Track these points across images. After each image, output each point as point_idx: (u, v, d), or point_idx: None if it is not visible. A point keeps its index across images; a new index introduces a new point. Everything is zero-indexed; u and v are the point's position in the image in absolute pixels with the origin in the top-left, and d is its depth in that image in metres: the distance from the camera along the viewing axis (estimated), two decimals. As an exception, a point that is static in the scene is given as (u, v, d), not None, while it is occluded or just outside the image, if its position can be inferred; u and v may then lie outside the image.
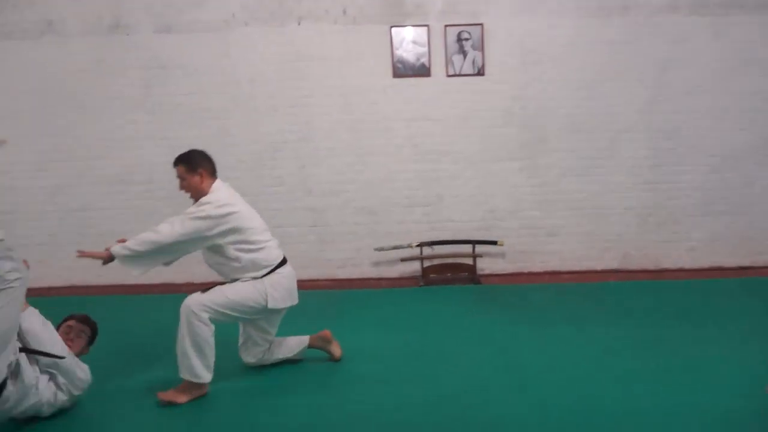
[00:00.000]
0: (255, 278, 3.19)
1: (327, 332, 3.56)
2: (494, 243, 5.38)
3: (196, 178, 3.22)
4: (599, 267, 5.52)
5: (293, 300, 3.37)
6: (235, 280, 3.23)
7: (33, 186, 5.54)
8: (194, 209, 3.14)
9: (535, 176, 5.47)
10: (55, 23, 5.41)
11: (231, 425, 2.82)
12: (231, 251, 3.16)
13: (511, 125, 5.42)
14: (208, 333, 3.06)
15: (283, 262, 3.36)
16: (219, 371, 3.21)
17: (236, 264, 3.19)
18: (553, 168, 5.46)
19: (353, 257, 5.55)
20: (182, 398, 3.03)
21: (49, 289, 5.53)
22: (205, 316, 3.05)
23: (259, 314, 3.23)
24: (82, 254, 3.16)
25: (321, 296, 5.09)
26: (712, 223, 5.48)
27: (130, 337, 4.18)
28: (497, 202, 5.49)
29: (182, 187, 3.27)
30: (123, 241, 3.18)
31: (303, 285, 5.45)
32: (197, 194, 3.23)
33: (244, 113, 5.44)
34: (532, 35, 5.31)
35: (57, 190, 5.53)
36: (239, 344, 3.41)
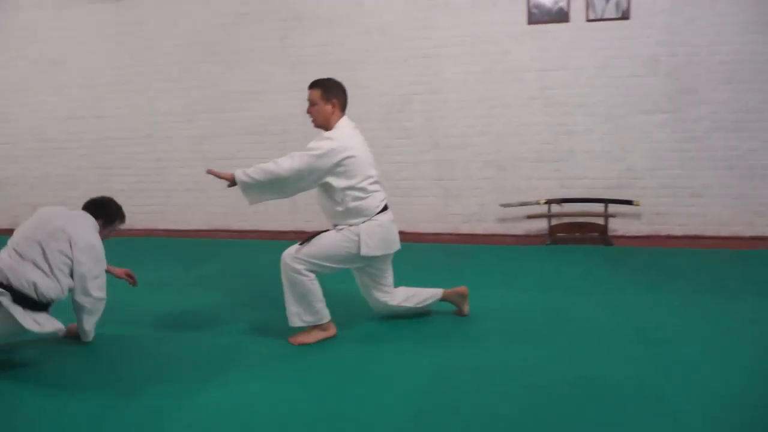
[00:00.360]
0: (351, 225, 3.17)
1: (464, 288, 3.53)
2: (629, 203, 5.07)
3: (328, 107, 3.16)
4: (748, 233, 5.02)
5: (390, 248, 3.29)
6: (336, 225, 3.24)
7: (182, 135, 6.01)
8: (315, 144, 3.08)
9: (680, 131, 5.04)
10: (203, -21, 5.72)
11: (353, 371, 2.94)
12: (338, 195, 3.14)
13: (656, 74, 5.00)
14: (307, 283, 3.14)
15: (384, 209, 3.29)
16: (350, 319, 3.35)
17: (339, 208, 3.17)
18: (702, 122, 4.99)
19: (478, 212, 5.49)
20: (310, 339, 3.22)
21: (196, 231, 6.07)
22: (301, 267, 3.12)
23: (356, 262, 3.25)
24: (210, 172, 3.26)
25: (444, 250, 5.13)
26: None
27: (263, 280, 4.48)
28: (635, 158, 5.14)
29: (310, 111, 3.21)
30: None
31: (426, 238, 5.62)
32: (323, 124, 3.19)
33: (375, 64, 5.48)
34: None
35: (202, 140, 5.97)
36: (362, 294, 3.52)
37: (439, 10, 5.27)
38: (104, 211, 3.35)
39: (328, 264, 3.19)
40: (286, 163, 3.06)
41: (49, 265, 2.94)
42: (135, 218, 6.30)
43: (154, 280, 4.52)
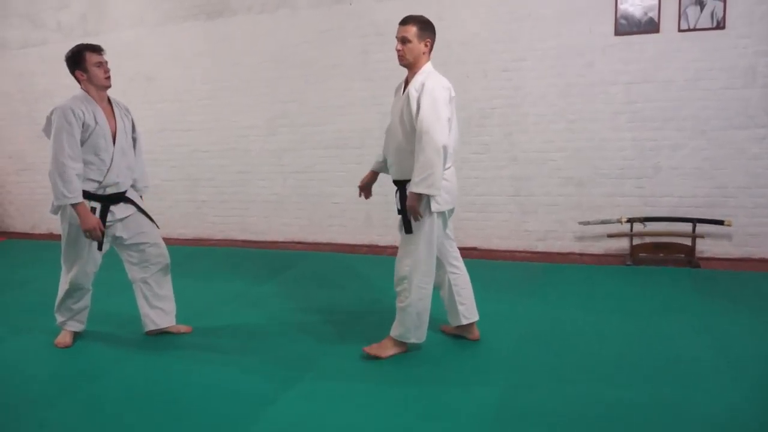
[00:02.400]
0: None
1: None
2: (720, 222, 4.77)
3: (421, 46, 3.02)
4: None
5: (454, 203, 3.17)
6: (402, 180, 3.07)
7: (263, 149, 6.21)
8: (433, 92, 2.93)
9: (781, 148, 4.70)
10: (289, -4, 5.91)
11: (426, 387, 2.92)
12: None
13: (754, 86, 4.69)
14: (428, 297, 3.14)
15: None
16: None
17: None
18: (807, 139, 4.63)
19: (555, 230, 5.33)
20: (384, 353, 3.20)
21: (272, 242, 6.24)
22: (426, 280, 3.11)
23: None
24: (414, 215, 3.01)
25: (518, 268, 5.01)
26: None
27: (340, 292, 4.53)
28: (727, 176, 4.84)
29: (401, 49, 3.03)
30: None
31: (499, 255, 5.51)
32: (412, 63, 3.05)
33: (454, 78, 5.35)
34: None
35: (282, 153, 6.14)
36: None
37: (522, 22, 5.18)
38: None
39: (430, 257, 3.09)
40: (430, 143, 2.85)
41: None
42: (216, 228, 6.58)
43: (232, 289, 4.68)
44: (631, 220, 4.97)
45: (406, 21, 3.04)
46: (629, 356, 3.13)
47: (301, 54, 5.91)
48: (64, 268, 3.50)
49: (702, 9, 4.74)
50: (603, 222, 5.06)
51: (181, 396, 2.86)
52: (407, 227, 3.06)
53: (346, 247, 5.92)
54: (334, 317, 3.91)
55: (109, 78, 3.40)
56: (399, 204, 3.13)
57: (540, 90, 5.20)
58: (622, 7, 4.92)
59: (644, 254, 4.99)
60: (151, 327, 3.59)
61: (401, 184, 3.11)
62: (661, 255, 4.95)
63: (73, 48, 3.32)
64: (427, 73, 3.04)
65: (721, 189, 4.86)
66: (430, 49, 3.10)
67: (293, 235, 6.22)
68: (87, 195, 3.28)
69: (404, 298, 3.12)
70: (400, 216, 3.16)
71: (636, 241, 5.02)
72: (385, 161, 3.31)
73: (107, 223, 3.39)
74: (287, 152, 6.11)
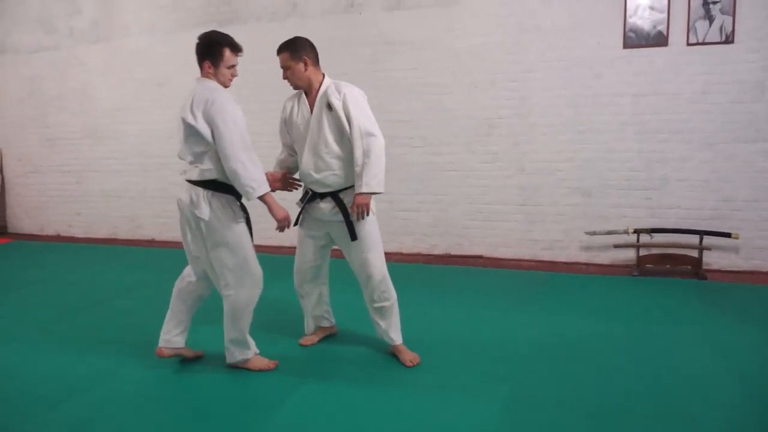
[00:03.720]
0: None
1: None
2: (727, 235, 4.77)
3: (301, 66, 3.15)
4: None
5: None
6: (334, 190, 3.18)
7: (270, 155, 6.09)
8: (354, 98, 3.09)
9: (789, 161, 4.71)
10: (299, 5, 5.96)
11: (430, 391, 2.93)
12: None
13: (762, 101, 4.71)
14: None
15: None
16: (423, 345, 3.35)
17: (358, 166, 3.04)
18: (814, 153, 4.64)
19: (561, 239, 5.34)
20: (413, 358, 3.22)
21: (279, 247, 6.26)
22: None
23: None
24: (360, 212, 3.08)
25: (524, 277, 5.01)
26: None
27: (344, 296, 4.55)
28: (734, 188, 4.84)
29: (286, 77, 3.23)
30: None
31: (505, 264, 5.52)
32: (305, 84, 3.21)
33: (462, 88, 5.49)
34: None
35: (291, 158, 6.16)
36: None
37: (530, 33, 5.22)
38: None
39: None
40: (376, 143, 3.03)
41: None
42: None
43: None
44: (637, 231, 4.97)
45: (278, 51, 3.20)
46: (634, 367, 3.13)
47: (310, 62, 5.95)
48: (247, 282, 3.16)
49: (711, 23, 4.76)
50: (610, 232, 5.06)
51: (188, 400, 2.87)
52: (353, 234, 3.12)
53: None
54: (337, 321, 3.92)
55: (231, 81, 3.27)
56: (341, 213, 3.15)
57: (548, 101, 5.23)
58: (630, 20, 4.95)
59: (650, 265, 4.99)
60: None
61: (336, 194, 3.17)
62: (668, 266, 4.95)
63: (212, 34, 3.22)
64: (332, 83, 3.18)
65: (729, 202, 4.87)
66: (315, 62, 3.20)
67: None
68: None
69: (389, 296, 3.22)
70: (335, 228, 3.24)
71: (642, 252, 5.02)
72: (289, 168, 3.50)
73: None
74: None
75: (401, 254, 5.79)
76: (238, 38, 6.49)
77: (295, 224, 3.36)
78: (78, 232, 7.34)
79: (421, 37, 5.55)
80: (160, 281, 5.07)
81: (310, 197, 3.26)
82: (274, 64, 6.05)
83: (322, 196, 3.21)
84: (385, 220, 5.84)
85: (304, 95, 3.26)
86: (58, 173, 7.32)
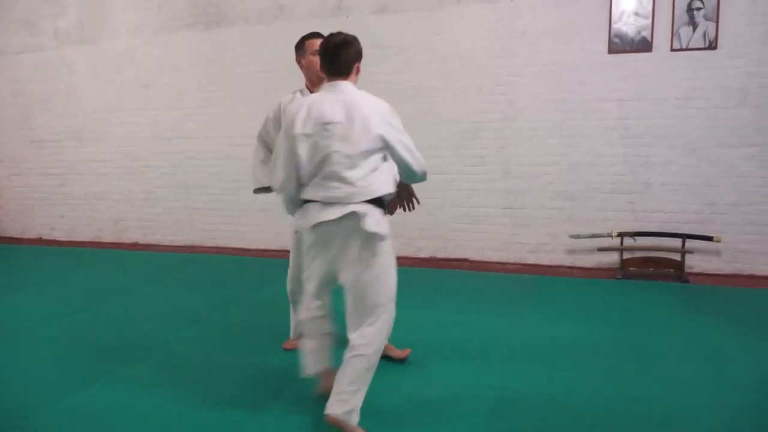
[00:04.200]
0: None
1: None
2: (709, 239, 4.82)
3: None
4: None
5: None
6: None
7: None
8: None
9: (770, 166, 4.77)
10: (287, 7, 5.95)
11: (415, 400, 2.92)
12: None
13: (745, 106, 4.77)
14: None
15: None
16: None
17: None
18: (796, 158, 4.71)
19: (547, 243, 5.36)
20: None
21: (264, 251, 6.24)
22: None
23: None
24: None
25: (509, 280, 5.03)
26: None
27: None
28: (717, 193, 4.90)
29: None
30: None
31: (491, 267, 5.53)
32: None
33: (450, 92, 5.51)
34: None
35: (277, 161, 6.14)
36: None
37: (517, 39, 5.25)
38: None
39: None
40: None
41: None
42: (207, 236, 6.57)
43: (223, 297, 4.66)
44: (621, 235, 5.01)
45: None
46: (620, 370, 3.15)
47: (296, 66, 5.93)
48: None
49: (695, 29, 4.82)
50: (594, 236, 5.10)
51: (169, 407, 2.85)
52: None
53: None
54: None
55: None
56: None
57: (534, 105, 5.26)
58: (615, 26, 5.00)
59: (634, 268, 5.03)
60: None
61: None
62: (651, 269, 4.99)
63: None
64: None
65: (711, 206, 4.92)
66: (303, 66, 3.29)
67: (285, 244, 6.19)
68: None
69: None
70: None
71: (626, 255, 5.06)
72: None
73: None
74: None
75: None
76: (224, 41, 6.50)
77: None
78: (60, 236, 7.27)
79: (409, 40, 5.57)
80: (144, 285, 5.04)
81: None
82: (262, 66, 6.11)
83: None
84: (371, 223, 5.85)
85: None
86: (42, 175, 7.24)
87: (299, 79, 6.12)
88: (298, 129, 2.48)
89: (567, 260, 5.33)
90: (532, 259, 5.42)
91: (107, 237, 7.03)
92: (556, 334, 3.66)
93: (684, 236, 4.89)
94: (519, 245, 5.45)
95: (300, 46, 3.30)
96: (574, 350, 3.41)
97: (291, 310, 3.53)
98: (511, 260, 5.47)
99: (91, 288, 4.98)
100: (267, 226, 6.26)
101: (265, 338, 3.69)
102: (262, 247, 6.31)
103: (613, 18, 4.99)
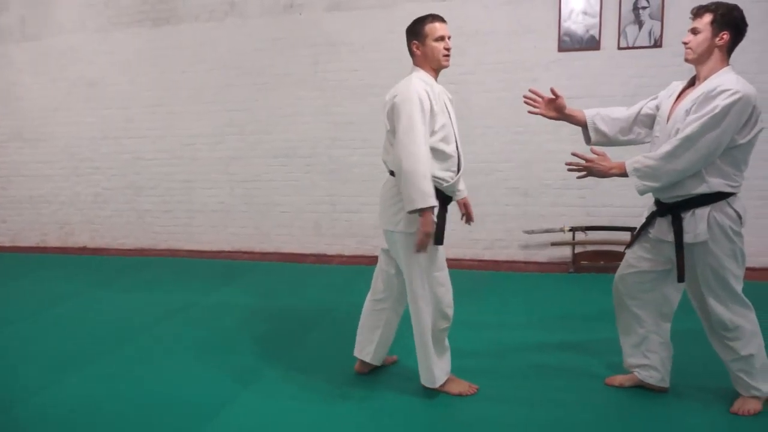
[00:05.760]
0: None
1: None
2: (658, 232, 4.95)
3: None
4: (781, 265, 4.88)
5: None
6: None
7: (210, 157, 6.10)
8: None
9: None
10: (238, 5, 5.85)
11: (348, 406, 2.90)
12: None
13: (688, 104, 4.92)
14: None
15: None
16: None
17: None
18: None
19: (502, 239, 5.43)
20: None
21: (218, 252, 6.13)
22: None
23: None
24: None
25: (465, 276, 5.07)
26: None
27: (287, 302, 4.47)
28: (665, 188, 5.04)
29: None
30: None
31: (449, 264, 5.48)
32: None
33: (402, 90, 5.50)
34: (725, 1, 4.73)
35: (230, 161, 6.04)
36: None
37: (469, 37, 5.30)
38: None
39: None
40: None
41: None
42: (159, 238, 6.41)
43: (176, 300, 4.55)
44: (573, 229, 5.12)
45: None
46: (570, 361, 3.21)
47: (250, 62, 5.86)
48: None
49: (640, 28, 4.95)
50: (547, 231, 5.19)
51: (121, 410, 2.76)
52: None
53: (294, 257, 5.87)
54: (280, 328, 3.86)
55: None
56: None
57: (488, 103, 5.31)
58: (565, 24, 5.09)
59: (585, 262, 5.14)
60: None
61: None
62: (602, 262, 5.11)
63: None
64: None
65: (658, 200, 5.06)
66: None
67: (240, 244, 6.12)
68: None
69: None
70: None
71: (578, 249, 5.17)
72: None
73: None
74: (235, 161, 6.03)
75: (344, 256, 5.76)
76: (174, 38, 6.36)
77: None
78: (4, 241, 6.98)
79: (363, 38, 5.55)
80: (94, 290, 4.88)
81: None
82: (214, 64, 6.00)
83: None
84: (328, 222, 5.82)
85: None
86: (-18, 178, 6.94)
87: (252, 77, 6.01)
88: None
89: (522, 255, 5.41)
90: (488, 255, 5.48)
91: (53, 242, 6.78)
92: (510, 328, 3.72)
93: (632, 230, 5.01)
94: (475, 241, 5.50)
95: (418, 31, 2.91)
96: (528, 343, 3.46)
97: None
98: (468, 257, 5.51)
99: (36, 295, 4.79)
100: (222, 227, 6.15)
101: (218, 342, 3.62)
102: (216, 248, 6.19)
103: (563, 17, 5.08)
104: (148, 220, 6.43)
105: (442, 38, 2.82)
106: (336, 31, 5.61)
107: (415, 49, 2.88)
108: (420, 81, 2.75)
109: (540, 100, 2.97)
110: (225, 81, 5.94)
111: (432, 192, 2.60)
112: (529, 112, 3.01)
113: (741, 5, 2.68)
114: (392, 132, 2.69)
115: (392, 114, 2.68)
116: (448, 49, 2.84)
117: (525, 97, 2.98)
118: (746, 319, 2.58)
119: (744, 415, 2.59)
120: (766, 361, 2.61)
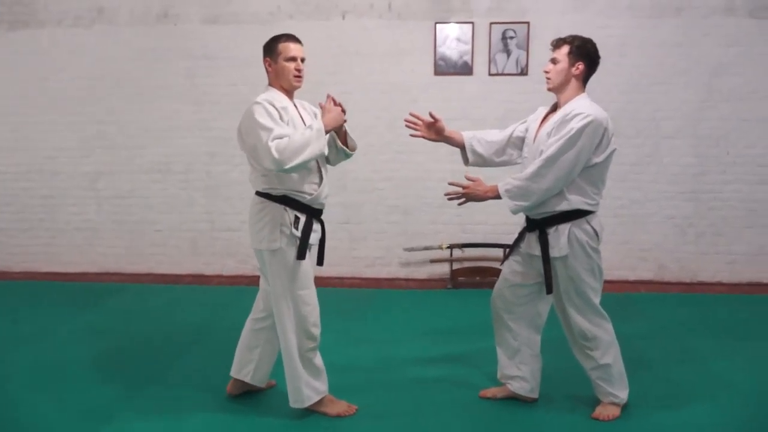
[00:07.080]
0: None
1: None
2: (528, 248, 5.27)
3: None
4: (632, 277, 5.38)
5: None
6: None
7: (76, 171, 5.68)
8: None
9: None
10: (107, 11, 5.52)
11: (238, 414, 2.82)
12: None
13: (552, 128, 5.31)
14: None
15: None
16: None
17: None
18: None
19: (383, 256, 5.52)
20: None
21: (83, 274, 5.70)
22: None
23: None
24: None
25: (347, 294, 5.10)
26: (756, 236, 5.27)
27: (159, 325, 4.26)
28: (533, 206, 5.39)
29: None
30: None
31: (330, 282, 5.56)
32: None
33: (282, 107, 5.46)
34: (581, 35, 5.18)
35: (98, 177, 5.66)
36: None
37: (350, 57, 5.37)
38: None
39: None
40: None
41: None
42: (15, 260, 5.85)
43: (33, 329, 4.16)
44: (451, 247, 5.31)
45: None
46: (450, 374, 3.32)
47: (120, 72, 5.55)
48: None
49: (508, 56, 5.29)
50: (426, 248, 5.35)
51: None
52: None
53: (170, 278, 5.58)
54: (149, 354, 3.65)
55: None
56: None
57: (368, 122, 5.40)
58: (440, 49, 5.32)
59: (463, 278, 5.35)
60: None
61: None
62: (478, 278, 5.34)
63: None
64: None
65: (527, 217, 5.39)
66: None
67: (109, 265, 5.72)
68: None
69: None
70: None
71: (456, 266, 5.37)
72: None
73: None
74: (103, 176, 5.65)
75: (223, 277, 5.58)
76: (35, 44, 5.91)
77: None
78: None
79: (243, 53, 5.44)
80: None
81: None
82: (76, 72, 5.60)
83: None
84: (206, 240, 5.61)
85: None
86: None
87: (123, 88, 5.71)
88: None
89: (402, 272, 5.53)
90: (369, 273, 5.54)
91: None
92: (391, 345, 3.77)
93: (505, 246, 5.29)
94: (356, 259, 5.54)
95: (272, 48, 3.00)
96: (408, 359, 3.53)
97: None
98: (349, 275, 5.54)
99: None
100: (87, 246, 5.72)
101: (76, 372, 3.34)
102: (80, 270, 5.74)
103: (438, 42, 5.30)
104: (2, 240, 5.85)
105: (294, 59, 2.89)
106: (213, 44, 5.46)
107: (267, 67, 2.97)
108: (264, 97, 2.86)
109: (420, 123, 3.11)
110: (92, 91, 5.57)
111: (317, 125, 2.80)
112: (411, 135, 3.14)
113: (595, 39, 2.92)
114: (247, 148, 2.79)
115: (241, 131, 2.88)
116: (299, 70, 2.91)
117: (406, 120, 3.10)
118: (604, 330, 2.81)
119: (604, 420, 2.82)
120: (622, 369, 2.87)
